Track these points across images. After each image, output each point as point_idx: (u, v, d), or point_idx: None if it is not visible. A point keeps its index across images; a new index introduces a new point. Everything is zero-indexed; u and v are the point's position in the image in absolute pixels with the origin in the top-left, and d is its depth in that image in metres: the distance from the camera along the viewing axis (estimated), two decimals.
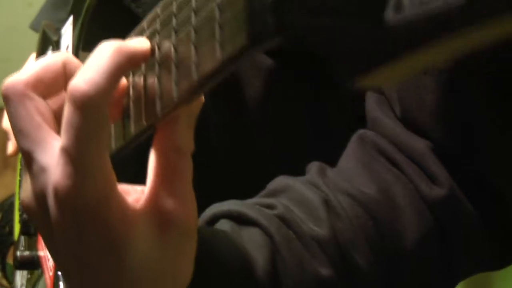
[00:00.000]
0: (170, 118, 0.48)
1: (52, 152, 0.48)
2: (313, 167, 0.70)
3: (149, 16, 0.49)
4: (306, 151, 0.82)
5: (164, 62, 0.46)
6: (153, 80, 0.47)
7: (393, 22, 0.28)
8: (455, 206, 0.66)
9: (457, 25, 0.26)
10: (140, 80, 0.49)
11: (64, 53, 0.53)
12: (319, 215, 0.64)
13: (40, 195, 0.49)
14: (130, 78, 0.51)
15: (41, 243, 0.94)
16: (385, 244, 0.64)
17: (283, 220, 0.63)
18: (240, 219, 0.63)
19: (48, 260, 0.89)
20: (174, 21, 0.44)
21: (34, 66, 0.50)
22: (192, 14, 0.41)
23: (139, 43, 0.48)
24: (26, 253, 1.01)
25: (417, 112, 0.67)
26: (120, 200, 0.48)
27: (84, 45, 0.79)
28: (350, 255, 0.63)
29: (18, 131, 0.49)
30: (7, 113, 0.50)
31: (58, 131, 0.49)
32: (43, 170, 0.48)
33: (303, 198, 0.65)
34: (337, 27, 0.30)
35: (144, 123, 0.49)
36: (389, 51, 0.28)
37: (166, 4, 0.46)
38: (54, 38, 0.94)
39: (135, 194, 0.51)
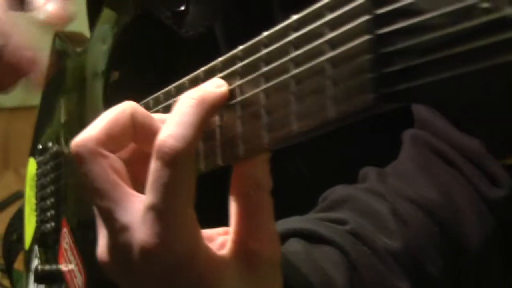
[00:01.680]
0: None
1: (133, 210, 0.48)
2: (371, 173, 0.69)
3: (226, 56, 0.48)
4: None
5: (249, 106, 0.46)
6: (232, 122, 0.47)
7: None
8: None
9: None
10: (214, 119, 0.48)
11: (131, 103, 0.51)
12: (389, 226, 0.63)
13: (122, 252, 0.48)
14: None
15: (63, 256, 0.93)
16: (451, 249, 0.64)
17: (356, 235, 0.62)
18: (312, 237, 0.61)
19: (76, 277, 0.88)
20: (264, 67, 0.44)
21: (102, 121, 0.50)
22: (291, 64, 0.41)
23: (217, 87, 0.47)
24: (47, 267, 1.00)
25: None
26: (207, 251, 0.48)
27: (116, 63, 0.78)
28: (422, 264, 0.62)
29: (94, 190, 0.49)
30: (81, 172, 0.49)
31: (133, 186, 0.49)
32: (125, 228, 0.48)
33: (370, 209, 0.64)
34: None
35: (220, 163, 0.49)
36: None
37: (251, 48, 0.45)
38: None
39: (219, 238, 0.51)
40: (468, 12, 0.31)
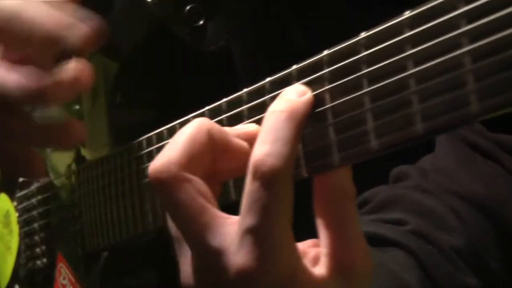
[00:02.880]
0: None
1: (225, 233, 0.45)
2: (412, 171, 0.68)
3: (306, 62, 0.46)
4: None
5: (345, 112, 0.43)
6: (319, 130, 0.45)
7: None
8: None
9: None
10: None
11: (205, 119, 0.48)
12: (449, 223, 0.62)
13: (214, 276, 0.46)
14: None
15: None
16: (505, 240, 0.63)
17: (419, 235, 0.61)
18: (375, 240, 0.60)
19: None
20: (365, 68, 0.42)
21: (181, 141, 0.47)
22: (409, 62, 0.39)
23: (301, 93, 0.45)
24: None
25: None
26: (306, 269, 0.46)
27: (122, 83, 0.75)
28: (485, 260, 0.62)
29: (179, 217, 0.46)
30: (161, 199, 0.48)
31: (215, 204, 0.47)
32: (219, 252, 0.45)
33: (423, 208, 0.63)
34: None
35: (305, 174, 0.47)
36: None
37: (341, 52, 0.43)
38: None
39: (311, 252, 0.49)
40: None
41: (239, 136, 0.48)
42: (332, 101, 0.44)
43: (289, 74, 0.48)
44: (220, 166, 0.48)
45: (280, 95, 0.46)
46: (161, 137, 0.63)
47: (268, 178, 0.43)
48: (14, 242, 1.06)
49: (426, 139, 0.39)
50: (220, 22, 0.70)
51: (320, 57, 0.45)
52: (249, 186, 0.44)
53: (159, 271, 0.79)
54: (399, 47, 0.39)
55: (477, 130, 0.68)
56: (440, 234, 0.62)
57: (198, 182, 0.46)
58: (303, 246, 0.49)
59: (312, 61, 0.46)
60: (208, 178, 0.48)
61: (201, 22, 0.70)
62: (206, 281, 0.47)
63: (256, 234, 0.44)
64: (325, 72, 0.45)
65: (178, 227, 0.47)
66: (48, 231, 0.93)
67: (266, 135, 0.44)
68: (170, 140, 0.47)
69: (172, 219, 0.47)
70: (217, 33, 0.70)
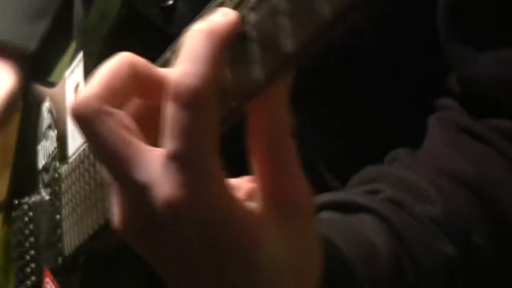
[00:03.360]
0: (265, 99, 0.43)
1: (151, 165, 0.43)
2: (401, 153, 0.66)
3: None
4: None
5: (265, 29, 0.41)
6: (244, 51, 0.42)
7: None
8: None
9: None
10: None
11: (128, 53, 0.46)
12: (427, 194, 0.59)
13: (146, 215, 0.43)
14: None
15: None
16: (493, 220, 0.60)
17: (394, 202, 0.58)
18: (345, 208, 0.57)
19: None
20: None
21: (100, 76, 0.45)
22: None
23: (224, 15, 0.43)
24: None
25: (498, 94, 0.64)
26: (241, 203, 0.43)
27: None
28: (467, 232, 0.59)
29: (103, 152, 0.44)
30: (84, 137, 0.44)
31: (146, 140, 0.44)
32: (145, 187, 0.42)
33: (406, 182, 0.60)
34: None
35: (234, 104, 0.44)
36: None
37: None
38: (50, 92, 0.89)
39: (245, 186, 0.47)
40: None
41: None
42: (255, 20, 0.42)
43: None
44: (151, 102, 0.45)
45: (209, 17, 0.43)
46: None
47: (187, 98, 0.40)
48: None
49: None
50: (190, 2, 0.69)
51: None
52: (168, 109, 0.41)
53: (140, 273, 0.76)
54: None
55: (466, 114, 0.65)
56: (418, 204, 0.59)
57: (121, 115, 0.44)
58: (236, 181, 0.47)
59: None
60: (140, 116, 0.45)
61: (170, 2, 0.68)
62: (138, 223, 0.44)
63: (180, 159, 0.41)
64: None
65: (103, 164, 0.44)
66: (36, 247, 0.91)
67: (184, 55, 0.41)
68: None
69: (97, 156, 0.45)
70: (187, 13, 0.68)
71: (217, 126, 0.42)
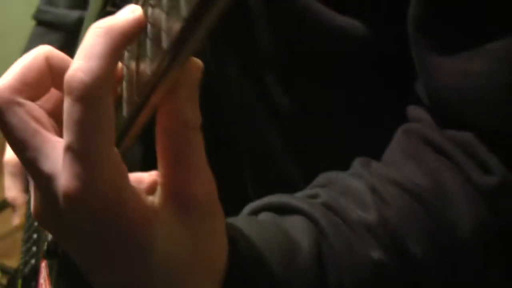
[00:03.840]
0: (169, 94, 0.45)
1: (54, 156, 0.45)
2: (357, 160, 0.67)
3: None
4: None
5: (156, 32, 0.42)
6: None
7: None
8: (510, 194, 0.62)
9: None
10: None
11: (45, 46, 0.49)
12: (365, 201, 0.61)
13: (50, 203, 0.45)
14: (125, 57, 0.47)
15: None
16: (439, 233, 0.61)
17: (329, 207, 0.60)
18: (282, 209, 0.60)
19: None
20: None
21: (15, 68, 0.47)
22: None
23: (131, 11, 0.44)
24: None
25: (457, 103, 0.64)
26: (134, 192, 0.45)
27: None
28: (403, 242, 0.60)
29: (13, 143, 0.46)
30: None
31: (57, 132, 0.47)
32: (49, 177, 0.45)
33: (348, 188, 0.62)
34: None
35: (136, 98, 0.44)
36: None
37: None
38: None
39: (148, 181, 0.50)
40: None
41: None
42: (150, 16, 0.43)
43: None
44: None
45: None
46: None
47: (77, 93, 0.42)
48: None
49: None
50: None
51: None
52: (64, 103, 0.43)
53: None
54: None
55: (435, 127, 0.66)
56: (356, 209, 0.60)
57: (32, 107, 0.46)
58: (139, 175, 0.50)
59: None
60: (54, 113, 0.48)
61: None
62: (46, 211, 0.47)
63: (73, 151, 0.43)
64: None
65: (15, 153, 0.46)
66: (38, 232, 0.93)
67: (81, 51, 0.43)
68: None
69: (9, 145, 0.46)
70: None
71: (110, 120, 0.43)
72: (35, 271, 0.92)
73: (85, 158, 0.42)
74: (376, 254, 0.58)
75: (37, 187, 0.46)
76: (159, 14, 0.40)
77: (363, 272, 0.58)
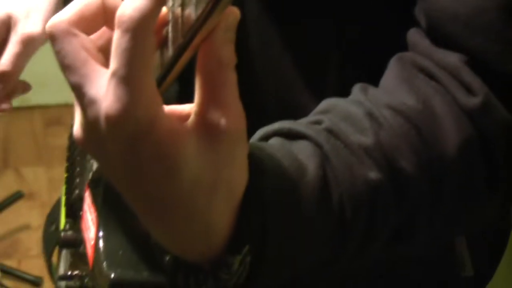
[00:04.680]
0: (209, 36, 0.52)
1: (100, 83, 0.51)
2: (356, 86, 0.73)
3: None
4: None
5: None
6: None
7: None
8: (492, 113, 0.69)
9: None
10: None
11: None
12: (363, 125, 0.67)
13: (92, 126, 0.52)
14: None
15: (83, 219, 0.96)
16: (428, 150, 0.67)
17: (331, 132, 0.66)
18: (290, 135, 0.66)
19: (90, 231, 0.91)
20: None
21: (75, 5, 0.54)
22: None
23: None
24: (70, 233, 1.03)
25: (450, 26, 0.70)
26: (168, 119, 0.51)
27: None
28: (395, 159, 0.66)
29: (65, 67, 0.53)
30: (54, 51, 0.53)
31: (104, 64, 0.53)
32: (93, 101, 0.51)
33: (348, 113, 0.68)
34: None
35: (181, 40, 0.51)
36: None
37: None
38: None
39: (184, 111, 0.56)
40: None
41: None
42: None
43: None
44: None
45: None
46: None
47: (126, 26, 0.49)
48: None
49: None
50: None
51: None
52: (114, 34, 0.50)
53: None
54: None
55: (427, 52, 0.72)
56: (354, 133, 0.66)
57: (85, 38, 0.53)
58: (177, 107, 0.57)
59: None
60: (103, 49, 0.55)
61: None
62: (87, 133, 0.54)
63: (117, 77, 0.49)
64: None
65: (66, 76, 0.53)
66: (83, 161, 1.01)
67: None
68: None
69: (61, 69, 0.53)
70: None
71: (152, 51, 0.50)
72: (80, 199, 1.00)
73: (127, 83, 0.49)
74: (373, 174, 0.65)
75: (82, 111, 0.53)
76: None
77: (361, 190, 0.64)
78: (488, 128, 0.69)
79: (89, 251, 0.91)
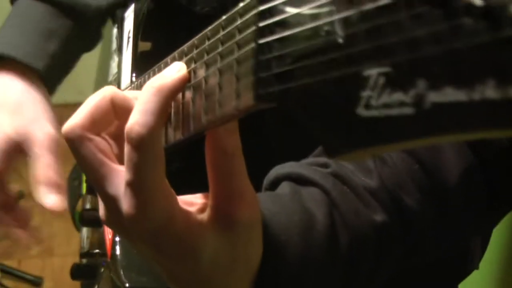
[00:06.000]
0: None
1: (118, 183, 0.54)
2: None
3: (189, 43, 0.54)
4: None
5: (197, 88, 0.51)
6: (188, 100, 0.53)
7: (363, 116, 0.33)
8: (492, 141, 0.70)
9: (410, 134, 0.30)
10: (179, 96, 0.55)
11: (110, 88, 0.58)
12: (367, 166, 0.69)
13: (116, 217, 0.56)
14: None
15: None
16: (430, 182, 0.69)
17: (337, 176, 0.67)
18: (300, 180, 0.68)
19: (107, 232, 0.96)
20: (205, 56, 0.49)
21: (86, 108, 0.56)
22: (218, 58, 0.46)
23: (177, 71, 0.53)
24: (90, 212, 1.09)
25: None
26: (184, 215, 0.54)
27: (143, 36, 0.85)
28: (399, 197, 0.67)
29: (84, 169, 0.56)
30: (72, 153, 0.56)
31: (118, 158, 0.56)
32: (113, 198, 0.55)
33: None
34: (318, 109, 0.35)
35: (181, 136, 0.55)
36: (359, 140, 0.33)
37: (202, 38, 0.51)
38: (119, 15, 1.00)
39: (199, 203, 0.58)
40: (317, 32, 0.36)
41: None
42: (194, 78, 0.52)
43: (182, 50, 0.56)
44: (125, 125, 0.55)
45: (162, 71, 0.54)
46: None
47: (135, 143, 0.51)
48: None
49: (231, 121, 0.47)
50: None
51: (193, 41, 0.53)
52: (125, 148, 0.52)
53: None
54: (216, 44, 0.47)
55: None
56: (358, 175, 0.68)
57: (99, 141, 0.56)
58: (192, 197, 0.58)
59: (190, 43, 0.54)
60: (117, 136, 0.57)
61: None
62: (111, 219, 0.58)
63: (131, 187, 0.53)
64: (193, 54, 0.52)
65: (86, 177, 0.58)
66: None
67: (138, 106, 0.52)
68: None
69: (82, 170, 0.57)
70: None
71: (161, 161, 0.52)
72: None
73: (141, 193, 0.52)
74: (378, 217, 0.66)
75: (104, 202, 0.57)
76: (212, 83, 0.48)
77: (368, 233, 0.66)
78: (488, 155, 0.70)
79: (108, 242, 0.98)
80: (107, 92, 0.57)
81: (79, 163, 0.56)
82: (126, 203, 0.53)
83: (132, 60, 0.87)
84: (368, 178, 0.68)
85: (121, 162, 0.56)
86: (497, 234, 0.81)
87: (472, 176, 0.69)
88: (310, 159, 0.72)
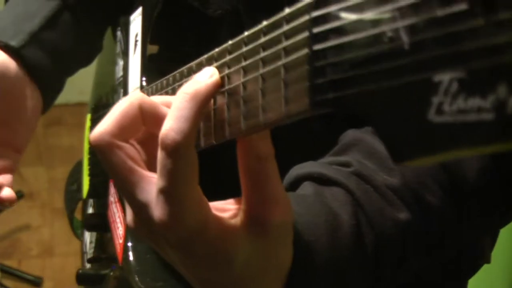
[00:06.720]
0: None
1: (149, 190, 0.54)
2: None
3: (220, 48, 0.54)
4: None
5: (233, 94, 0.51)
6: (222, 106, 0.53)
7: (435, 122, 0.33)
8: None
9: (488, 139, 0.31)
10: (211, 102, 0.54)
11: (138, 94, 0.57)
12: (389, 164, 0.68)
13: (146, 224, 0.56)
14: None
15: (109, 208, 1.00)
16: (451, 180, 0.69)
17: (360, 176, 0.67)
18: (321, 180, 0.67)
19: (118, 228, 0.96)
20: (243, 61, 0.49)
21: (114, 115, 0.55)
22: (260, 63, 0.46)
23: (210, 76, 0.53)
24: (95, 216, 1.08)
25: None
26: (217, 222, 0.54)
27: (152, 39, 0.84)
28: (422, 196, 0.68)
29: (114, 176, 0.55)
30: (101, 161, 0.55)
31: (148, 165, 0.56)
32: (144, 206, 0.54)
33: (373, 150, 0.69)
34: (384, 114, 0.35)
35: (214, 141, 0.55)
36: (429, 146, 0.33)
37: (237, 43, 0.51)
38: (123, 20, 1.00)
39: (231, 208, 0.58)
40: (379, 38, 0.36)
41: (168, 106, 0.56)
42: (229, 84, 0.52)
43: (211, 55, 0.56)
44: (153, 131, 0.56)
45: (194, 76, 0.54)
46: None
47: (170, 149, 0.51)
48: None
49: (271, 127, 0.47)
50: None
51: (226, 45, 0.53)
52: (158, 154, 0.52)
53: None
54: (257, 49, 0.47)
55: None
56: (380, 174, 0.68)
57: (128, 148, 0.55)
58: (224, 203, 0.58)
59: (221, 48, 0.54)
60: (144, 142, 0.57)
61: None
62: (141, 228, 0.58)
63: (165, 193, 0.52)
64: (226, 59, 0.52)
65: (116, 184, 0.57)
66: None
67: (172, 112, 0.52)
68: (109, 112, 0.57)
69: (111, 177, 0.57)
70: None
71: (195, 168, 0.52)
72: (104, 182, 1.05)
73: (175, 200, 0.52)
74: (402, 215, 0.66)
75: (133, 210, 0.57)
76: (252, 90, 0.48)
77: (392, 232, 0.66)
78: (504, 154, 0.71)
79: (118, 247, 0.97)
80: (134, 98, 0.56)
81: (109, 171, 0.55)
82: (158, 210, 0.53)
83: (141, 64, 0.86)
84: (390, 177, 0.68)
85: (149, 168, 0.56)
86: (506, 228, 0.82)
87: (489, 175, 0.70)
88: (330, 158, 0.72)
